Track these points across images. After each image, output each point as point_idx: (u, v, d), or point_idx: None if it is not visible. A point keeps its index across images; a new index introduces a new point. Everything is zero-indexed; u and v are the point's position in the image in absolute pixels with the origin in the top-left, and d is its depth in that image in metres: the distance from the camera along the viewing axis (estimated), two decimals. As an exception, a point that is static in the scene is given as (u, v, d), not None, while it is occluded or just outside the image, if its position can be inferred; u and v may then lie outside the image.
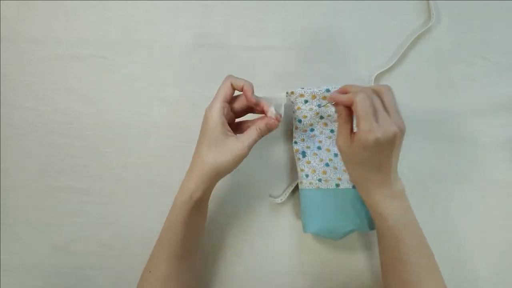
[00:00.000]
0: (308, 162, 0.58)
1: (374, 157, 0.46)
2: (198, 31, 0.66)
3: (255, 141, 0.50)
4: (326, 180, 0.57)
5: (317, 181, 0.57)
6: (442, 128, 0.65)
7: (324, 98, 0.56)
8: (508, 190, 0.64)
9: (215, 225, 0.63)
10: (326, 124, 0.59)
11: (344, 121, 0.48)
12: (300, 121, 0.58)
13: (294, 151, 0.59)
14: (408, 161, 0.64)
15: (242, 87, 0.50)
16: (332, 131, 0.59)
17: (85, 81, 0.65)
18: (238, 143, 0.48)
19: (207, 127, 0.49)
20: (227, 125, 0.50)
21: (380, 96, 0.46)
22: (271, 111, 0.51)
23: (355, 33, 0.67)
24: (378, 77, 0.65)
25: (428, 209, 0.63)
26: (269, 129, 0.51)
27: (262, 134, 0.51)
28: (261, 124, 0.50)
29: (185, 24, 0.66)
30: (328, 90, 0.56)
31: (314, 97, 0.57)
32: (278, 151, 0.63)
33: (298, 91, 0.57)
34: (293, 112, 0.58)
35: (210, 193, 0.53)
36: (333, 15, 0.67)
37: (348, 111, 0.48)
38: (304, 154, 0.58)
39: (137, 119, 0.64)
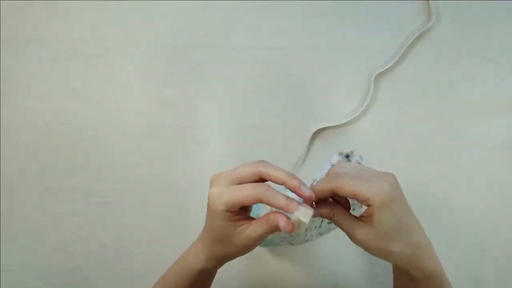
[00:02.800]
0: None
1: (399, 213, 0.39)
2: (198, 31, 0.66)
3: (265, 235, 0.39)
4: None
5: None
6: (442, 128, 0.65)
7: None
8: (508, 190, 0.64)
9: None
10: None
11: (343, 216, 0.40)
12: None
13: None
14: (408, 161, 0.64)
15: (282, 181, 0.38)
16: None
17: (85, 81, 0.65)
18: (243, 239, 0.40)
19: (210, 217, 0.41)
20: (232, 218, 0.40)
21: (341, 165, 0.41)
22: (295, 214, 0.37)
23: (355, 33, 0.67)
24: (378, 77, 0.65)
25: (428, 209, 0.63)
26: (282, 229, 0.39)
27: (272, 230, 0.39)
28: (273, 218, 0.38)
29: (185, 24, 0.66)
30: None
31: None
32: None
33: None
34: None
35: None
36: (333, 15, 0.67)
37: (334, 205, 0.41)
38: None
39: (137, 119, 0.64)
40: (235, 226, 0.39)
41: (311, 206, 0.39)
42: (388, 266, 0.61)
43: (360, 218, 0.40)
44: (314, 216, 0.37)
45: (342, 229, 0.40)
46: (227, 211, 0.38)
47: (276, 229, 0.39)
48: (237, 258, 0.60)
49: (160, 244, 0.62)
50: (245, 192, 0.37)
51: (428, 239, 0.42)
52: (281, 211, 0.38)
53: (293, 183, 0.38)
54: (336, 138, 0.64)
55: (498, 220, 0.63)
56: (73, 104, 0.64)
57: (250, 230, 0.39)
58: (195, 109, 0.64)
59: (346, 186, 0.37)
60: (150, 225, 0.62)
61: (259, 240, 0.40)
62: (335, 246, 0.63)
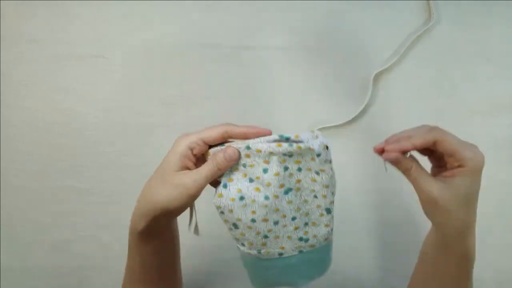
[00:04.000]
0: (243, 234, 0.46)
1: (478, 189, 0.41)
2: (198, 31, 0.66)
3: (209, 177, 0.41)
4: (267, 252, 0.47)
5: (256, 252, 0.48)
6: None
7: (248, 156, 0.43)
8: (508, 190, 0.64)
9: (214, 223, 0.63)
10: (258, 189, 0.44)
11: (421, 169, 0.41)
12: (225, 186, 0.44)
13: (223, 220, 0.46)
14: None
15: (243, 134, 0.42)
16: (266, 197, 0.44)
17: (85, 81, 0.65)
18: (185, 179, 0.41)
19: (165, 160, 0.43)
20: (188, 162, 0.42)
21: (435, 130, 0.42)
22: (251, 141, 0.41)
23: (355, 33, 0.67)
24: (377, 77, 0.65)
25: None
26: (228, 160, 0.41)
27: (219, 168, 0.41)
28: (219, 155, 0.41)
29: (185, 24, 0.66)
30: (248, 147, 0.42)
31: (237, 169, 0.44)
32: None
33: (215, 149, 0.44)
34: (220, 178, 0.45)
35: (166, 228, 0.47)
36: (333, 15, 0.67)
37: (410, 159, 0.42)
38: (236, 226, 0.46)
39: (137, 119, 0.64)
40: (183, 168, 0.42)
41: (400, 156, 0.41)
42: (388, 267, 0.61)
43: (437, 177, 0.41)
44: (397, 163, 0.41)
45: (416, 183, 0.41)
46: (190, 148, 0.41)
47: (223, 162, 0.41)
48: (237, 259, 0.60)
49: (160, 244, 0.62)
50: (211, 130, 0.42)
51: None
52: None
53: (258, 129, 0.42)
54: (336, 137, 0.64)
55: (498, 220, 0.63)
56: (73, 104, 0.64)
57: (194, 172, 0.41)
58: (195, 109, 0.64)
59: (451, 141, 0.39)
60: (150, 225, 0.62)
61: (199, 185, 0.41)
62: (335, 248, 0.63)
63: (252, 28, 0.67)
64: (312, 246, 0.48)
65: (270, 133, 0.42)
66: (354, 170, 0.64)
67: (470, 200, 0.41)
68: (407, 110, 0.66)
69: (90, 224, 0.62)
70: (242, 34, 0.67)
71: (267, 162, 0.43)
